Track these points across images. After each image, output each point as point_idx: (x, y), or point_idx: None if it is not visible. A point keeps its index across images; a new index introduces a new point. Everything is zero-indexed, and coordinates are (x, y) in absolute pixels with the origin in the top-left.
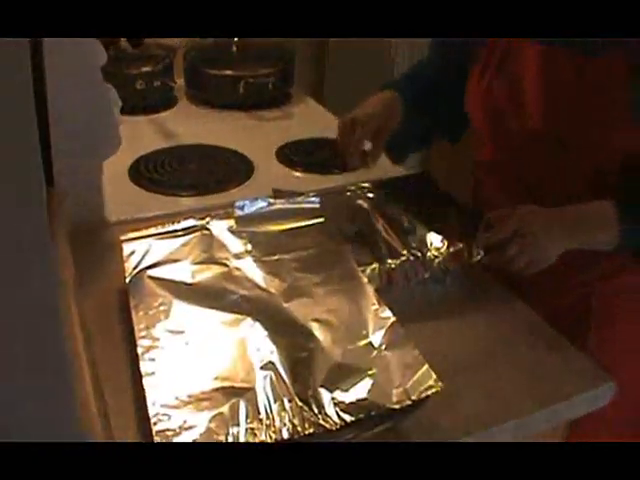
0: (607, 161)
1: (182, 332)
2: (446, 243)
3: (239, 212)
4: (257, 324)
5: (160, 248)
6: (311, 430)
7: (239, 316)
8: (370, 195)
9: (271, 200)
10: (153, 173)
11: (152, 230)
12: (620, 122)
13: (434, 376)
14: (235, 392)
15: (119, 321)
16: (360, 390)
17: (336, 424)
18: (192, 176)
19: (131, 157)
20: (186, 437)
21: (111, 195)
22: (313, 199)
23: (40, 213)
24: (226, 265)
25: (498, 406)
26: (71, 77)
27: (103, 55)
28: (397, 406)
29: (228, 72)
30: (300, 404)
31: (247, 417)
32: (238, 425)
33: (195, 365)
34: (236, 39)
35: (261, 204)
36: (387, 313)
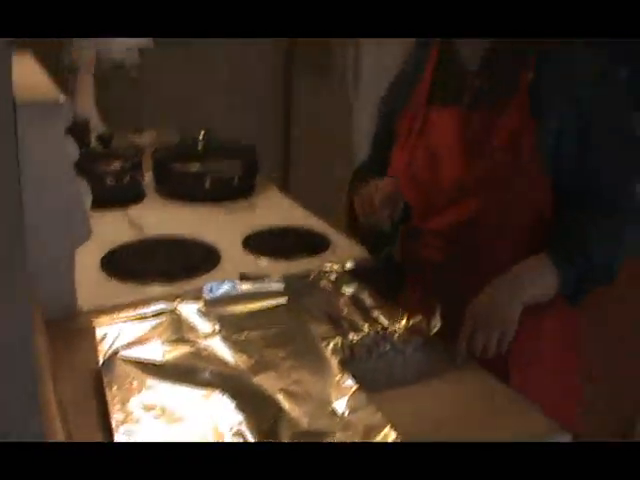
0: (523, 212)
1: (154, 407)
2: (406, 316)
3: (207, 295)
4: (226, 397)
5: (131, 331)
6: None
7: (209, 391)
8: (332, 277)
9: (238, 282)
10: (123, 264)
11: (123, 314)
12: (531, 168)
13: (394, 435)
14: None
15: (94, 400)
16: None
17: None
18: (161, 265)
19: (102, 250)
20: None
21: (83, 285)
22: (277, 281)
23: (25, 309)
24: (195, 344)
25: None
26: (45, 170)
27: (76, 151)
28: None
29: (194, 167)
30: None
31: None
32: None
33: (168, 438)
34: (201, 136)
35: (228, 286)
36: (349, 382)
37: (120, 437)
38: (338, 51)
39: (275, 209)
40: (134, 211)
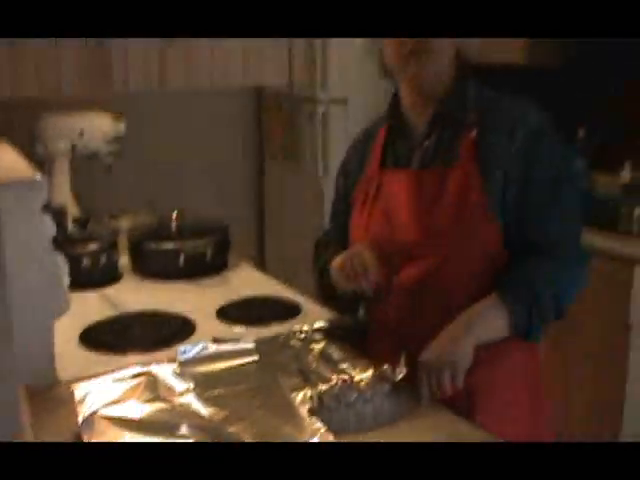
0: (476, 260)
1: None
2: (372, 366)
3: (181, 356)
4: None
5: (109, 392)
6: None
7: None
8: (302, 336)
9: (210, 344)
10: (100, 338)
11: (101, 378)
12: (480, 219)
13: None
14: None
15: None
16: None
17: None
18: (137, 337)
19: (79, 327)
20: None
21: (62, 358)
22: (248, 342)
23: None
24: (171, 402)
25: None
26: (25, 246)
27: (53, 227)
28: None
29: (168, 246)
30: None
31: None
32: None
33: None
34: (174, 216)
35: (201, 348)
36: (318, 425)
37: None
38: (307, 136)
39: (248, 282)
40: (111, 291)
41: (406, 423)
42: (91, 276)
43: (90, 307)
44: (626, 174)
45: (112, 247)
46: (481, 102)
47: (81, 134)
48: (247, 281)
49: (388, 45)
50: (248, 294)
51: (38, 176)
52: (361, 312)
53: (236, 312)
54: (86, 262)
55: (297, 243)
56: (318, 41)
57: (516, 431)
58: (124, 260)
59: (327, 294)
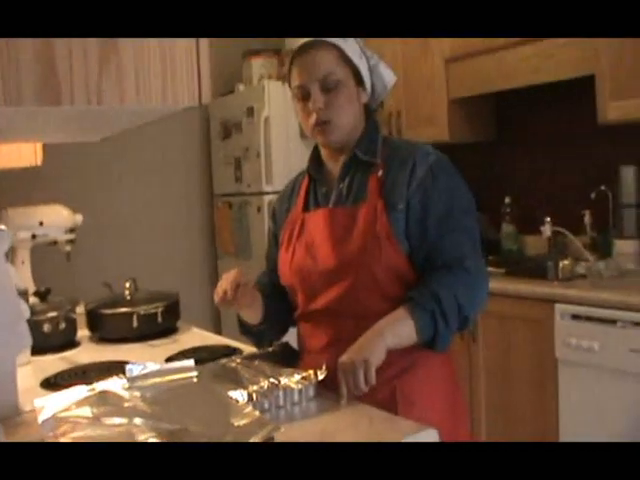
0: (387, 279)
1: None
2: (298, 372)
3: (129, 374)
4: (148, 434)
5: (65, 403)
6: None
7: (132, 430)
8: (239, 360)
9: (154, 364)
10: (59, 382)
11: (57, 394)
12: (386, 244)
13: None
14: None
15: None
16: None
17: None
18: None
19: (40, 378)
20: None
21: (25, 397)
22: (189, 361)
23: None
24: (120, 406)
25: None
26: None
27: (15, 275)
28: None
29: (123, 309)
30: None
31: None
32: None
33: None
34: (128, 285)
35: (148, 366)
36: (249, 409)
37: None
38: (257, 231)
39: (196, 338)
40: (69, 353)
41: (327, 413)
42: (51, 340)
43: (50, 365)
44: (547, 229)
45: (71, 315)
46: (386, 148)
47: (41, 224)
48: (196, 338)
49: (298, 115)
50: (195, 345)
51: (3, 227)
52: (274, 343)
53: (182, 357)
54: (47, 328)
55: None
56: (262, 138)
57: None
58: (83, 332)
59: (241, 329)
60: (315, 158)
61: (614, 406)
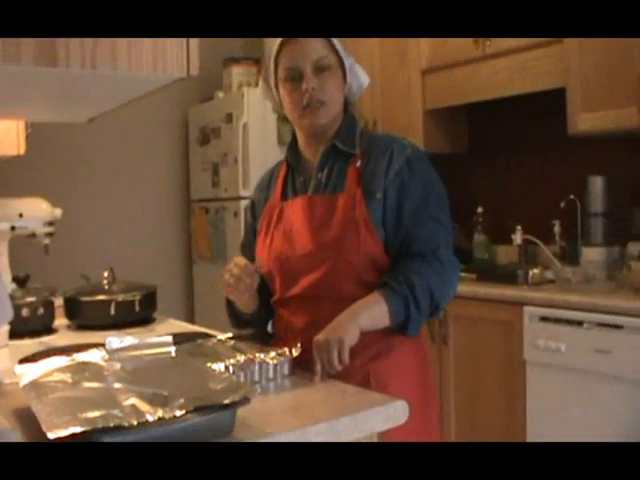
0: (363, 264)
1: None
2: (274, 349)
3: (109, 346)
4: (129, 394)
5: (46, 369)
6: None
7: (112, 391)
8: (215, 340)
9: (134, 338)
10: (38, 358)
11: (37, 363)
12: (364, 232)
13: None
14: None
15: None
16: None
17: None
18: None
19: (17, 358)
20: None
21: (4, 376)
22: (167, 337)
23: None
24: (100, 373)
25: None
26: None
27: None
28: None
29: (100, 297)
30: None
31: None
32: None
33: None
34: (106, 274)
35: (127, 339)
36: (227, 375)
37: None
38: (233, 236)
39: (172, 328)
40: (47, 339)
41: (302, 387)
42: (29, 325)
43: (28, 348)
44: (517, 238)
45: (49, 300)
46: (364, 139)
47: (20, 216)
48: (173, 327)
49: (285, 98)
50: (169, 332)
51: None
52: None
53: None
54: (25, 312)
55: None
56: (240, 144)
57: (407, 422)
58: (60, 322)
59: (232, 321)
60: (293, 148)
61: (580, 406)
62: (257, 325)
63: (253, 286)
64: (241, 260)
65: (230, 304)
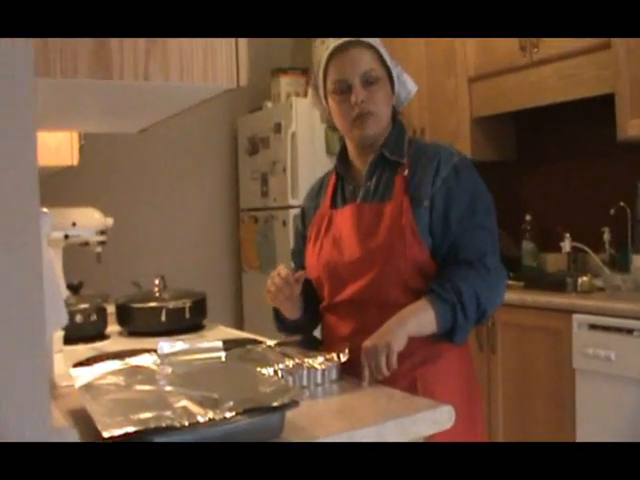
0: (409, 271)
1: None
2: (322, 355)
3: (161, 350)
4: (180, 397)
5: (100, 372)
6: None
7: (163, 394)
8: (264, 346)
9: (185, 342)
10: (92, 363)
11: (92, 367)
12: (410, 239)
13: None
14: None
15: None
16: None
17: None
18: None
19: (71, 363)
20: None
21: (59, 379)
22: (217, 342)
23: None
24: (152, 376)
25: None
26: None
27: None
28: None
29: (152, 304)
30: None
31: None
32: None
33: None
34: (157, 281)
35: (177, 343)
36: (276, 379)
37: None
38: (281, 245)
39: (223, 334)
40: (99, 344)
41: (348, 392)
42: (82, 331)
43: (81, 353)
44: (566, 245)
45: (101, 307)
46: (412, 148)
47: (73, 225)
48: (222, 333)
49: (334, 110)
50: (219, 338)
51: (45, 210)
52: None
53: None
54: (79, 319)
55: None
56: (288, 153)
57: (453, 428)
58: (112, 328)
59: (278, 326)
60: (342, 157)
61: (630, 415)
62: (302, 331)
63: (292, 296)
64: (283, 270)
65: (276, 309)
